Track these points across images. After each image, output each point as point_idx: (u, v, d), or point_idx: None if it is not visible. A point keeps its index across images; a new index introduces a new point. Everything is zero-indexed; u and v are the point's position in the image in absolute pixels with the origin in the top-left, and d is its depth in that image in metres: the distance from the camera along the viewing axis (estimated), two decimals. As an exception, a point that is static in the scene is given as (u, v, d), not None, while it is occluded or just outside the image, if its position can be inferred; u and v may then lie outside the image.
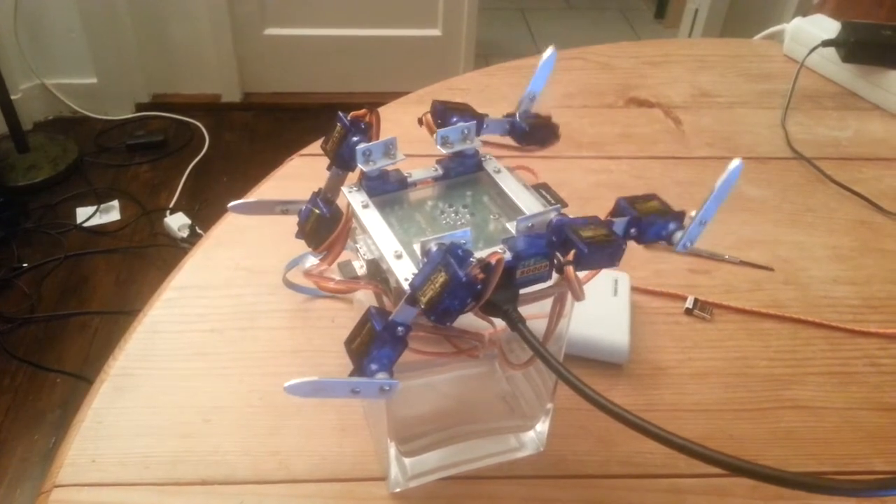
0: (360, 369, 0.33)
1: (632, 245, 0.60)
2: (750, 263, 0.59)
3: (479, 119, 0.41)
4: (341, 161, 0.39)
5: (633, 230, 0.35)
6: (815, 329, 0.54)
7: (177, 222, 1.82)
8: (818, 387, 0.50)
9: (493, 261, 0.31)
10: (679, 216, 0.36)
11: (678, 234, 0.35)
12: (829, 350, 0.53)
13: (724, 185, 0.34)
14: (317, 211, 0.39)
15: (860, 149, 0.74)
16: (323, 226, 0.39)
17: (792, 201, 0.66)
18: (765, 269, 0.59)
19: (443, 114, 0.40)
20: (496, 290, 0.32)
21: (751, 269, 0.59)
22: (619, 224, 0.35)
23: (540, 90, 0.43)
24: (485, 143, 0.41)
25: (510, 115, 0.43)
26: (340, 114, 0.39)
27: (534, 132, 0.43)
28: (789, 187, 0.68)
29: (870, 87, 0.81)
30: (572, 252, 0.33)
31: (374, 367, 0.33)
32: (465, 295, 0.30)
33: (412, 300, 0.31)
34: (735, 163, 0.33)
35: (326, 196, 0.40)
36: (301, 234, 0.41)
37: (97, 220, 1.86)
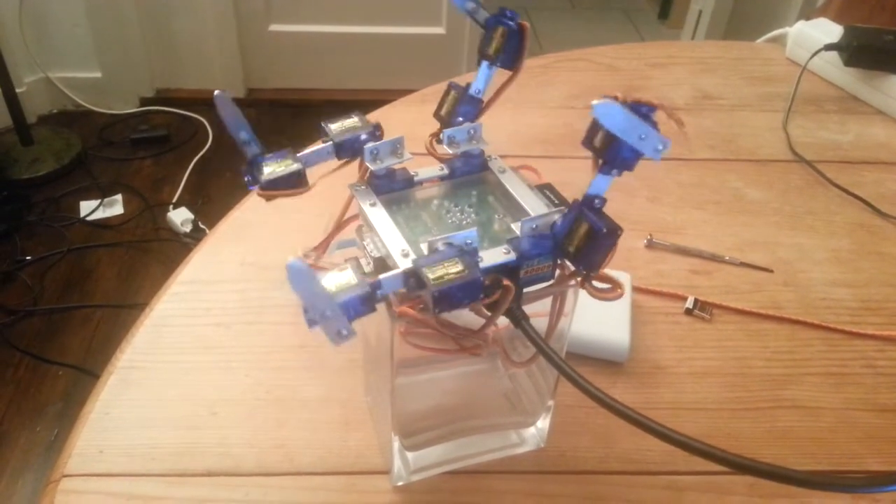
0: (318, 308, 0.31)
1: (635, 246, 0.61)
2: (750, 265, 0.60)
3: (470, 98, 0.41)
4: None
5: (615, 171, 0.33)
6: (813, 330, 0.55)
7: (180, 217, 1.83)
8: (815, 387, 0.51)
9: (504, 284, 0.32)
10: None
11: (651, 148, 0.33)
12: (827, 351, 0.53)
13: (613, 124, 0.31)
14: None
15: (861, 152, 0.74)
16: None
17: (792, 204, 0.67)
18: (764, 271, 0.59)
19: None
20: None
21: (751, 271, 0.59)
22: (600, 180, 0.34)
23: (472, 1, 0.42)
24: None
25: (482, 58, 0.43)
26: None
27: (506, 52, 0.43)
28: (790, 190, 0.69)
29: (871, 92, 0.81)
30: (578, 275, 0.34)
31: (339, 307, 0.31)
32: (473, 293, 0.31)
33: (414, 274, 0.32)
34: (594, 105, 0.31)
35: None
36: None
37: (100, 214, 1.87)
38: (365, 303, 0.32)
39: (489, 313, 0.34)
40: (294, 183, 0.37)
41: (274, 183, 0.37)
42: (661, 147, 0.32)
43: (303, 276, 0.29)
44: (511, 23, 0.41)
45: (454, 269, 0.31)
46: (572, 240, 0.33)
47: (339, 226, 0.39)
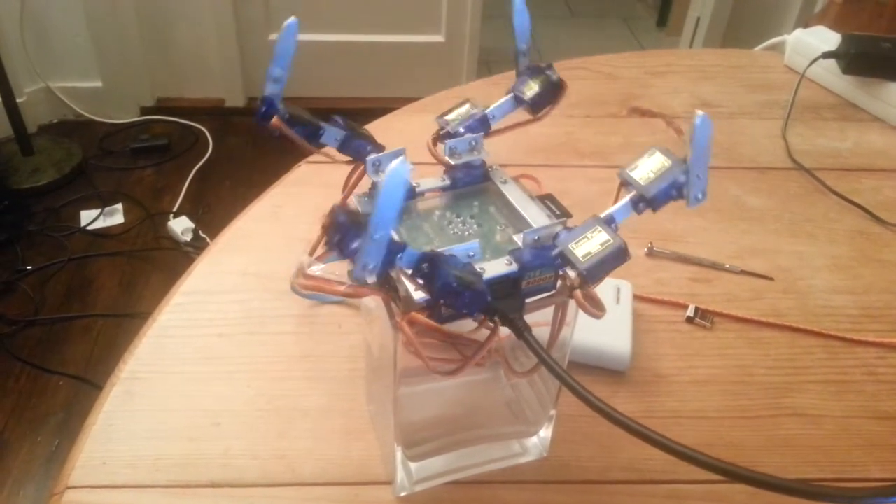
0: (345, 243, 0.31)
1: (636, 254, 0.61)
2: (750, 273, 0.60)
3: (483, 117, 0.42)
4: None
5: (641, 204, 0.35)
6: (813, 338, 0.55)
7: (180, 226, 1.83)
8: (816, 395, 0.51)
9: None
10: (682, 163, 0.34)
11: (684, 191, 0.34)
12: (828, 359, 0.53)
13: (698, 141, 0.33)
14: None
15: (860, 160, 0.75)
16: None
17: (792, 211, 0.67)
18: (765, 279, 0.60)
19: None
20: (502, 299, 0.33)
21: (751, 279, 0.60)
22: (624, 207, 0.35)
23: (525, 43, 0.44)
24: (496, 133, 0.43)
25: (508, 92, 0.45)
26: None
27: (540, 96, 0.44)
28: (790, 197, 0.69)
29: (869, 99, 0.82)
30: (576, 277, 0.34)
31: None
32: (475, 306, 0.31)
33: (429, 260, 0.31)
34: (699, 115, 0.33)
35: None
36: None
37: (101, 224, 1.87)
38: (388, 256, 0.31)
39: (492, 325, 0.34)
40: (309, 134, 0.38)
41: (293, 123, 0.37)
42: (701, 196, 0.33)
43: (399, 184, 0.28)
44: (553, 76, 0.44)
45: (470, 277, 0.31)
46: (582, 246, 0.33)
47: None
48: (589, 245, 0.33)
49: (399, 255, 0.31)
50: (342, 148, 0.40)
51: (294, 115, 0.38)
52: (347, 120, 0.41)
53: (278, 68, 0.38)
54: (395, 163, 0.28)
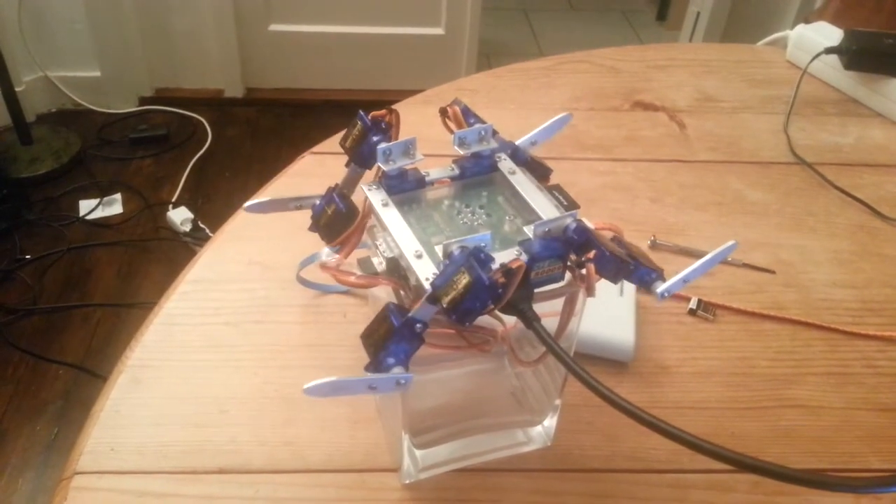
0: (375, 363, 0.34)
1: (639, 247, 0.61)
2: (752, 266, 0.60)
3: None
4: (359, 159, 0.40)
5: (631, 265, 0.36)
6: (814, 331, 0.55)
7: (179, 216, 1.83)
8: (817, 387, 0.51)
9: (514, 266, 0.32)
10: (661, 271, 0.37)
11: (659, 284, 0.36)
12: (828, 351, 0.54)
13: (714, 258, 0.35)
14: (333, 206, 0.40)
15: (861, 155, 0.75)
16: (338, 220, 0.40)
17: (793, 205, 0.68)
18: (766, 272, 0.60)
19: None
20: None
21: (753, 272, 0.60)
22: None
23: (541, 141, 0.44)
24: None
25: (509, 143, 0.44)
26: (361, 113, 0.40)
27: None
28: (791, 192, 0.69)
29: (871, 95, 0.82)
30: (593, 252, 0.34)
31: (390, 360, 0.33)
32: (486, 297, 0.31)
33: (433, 299, 0.32)
34: (729, 243, 0.35)
35: (343, 191, 0.41)
36: (315, 227, 0.42)
37: (100, 213, 1.87)
38: (412, 341, 0.33)
39: (501, 316, 0.34)
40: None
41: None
42: None
43: (332, 389, 0.32)
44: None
45: (463, 281, 0.31)
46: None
47: (361, 227, 0.39)
48: (615, 247, 0.34)
49: (416, 325, 0.33)
50: (357, 163, 0.41)
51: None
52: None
53: None
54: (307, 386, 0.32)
